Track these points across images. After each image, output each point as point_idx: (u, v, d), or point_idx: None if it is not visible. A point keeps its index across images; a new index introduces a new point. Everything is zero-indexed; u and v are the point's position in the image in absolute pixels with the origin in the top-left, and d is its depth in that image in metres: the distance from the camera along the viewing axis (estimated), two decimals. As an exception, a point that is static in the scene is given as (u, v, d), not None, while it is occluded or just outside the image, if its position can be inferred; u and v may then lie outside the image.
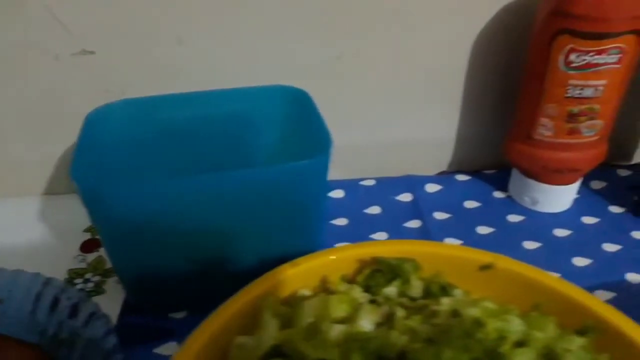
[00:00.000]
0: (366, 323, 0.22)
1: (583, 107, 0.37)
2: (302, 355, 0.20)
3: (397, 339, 0.20)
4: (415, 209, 0.43)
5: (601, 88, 0.36)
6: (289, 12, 0.40)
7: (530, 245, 0.39)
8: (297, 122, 0.35)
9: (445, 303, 0.22)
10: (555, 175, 0.41)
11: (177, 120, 0.36)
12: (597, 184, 0.45)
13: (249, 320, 0.23)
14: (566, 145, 0.39)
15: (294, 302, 0.24)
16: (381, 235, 0.41)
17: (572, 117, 0.38)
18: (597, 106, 0.37)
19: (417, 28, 0.41)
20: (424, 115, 0.45)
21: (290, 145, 0.35)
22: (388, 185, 0.46)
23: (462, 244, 0.39)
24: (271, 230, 0.31)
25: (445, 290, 0.24)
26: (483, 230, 0.41)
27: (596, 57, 0.35)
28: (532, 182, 0.42)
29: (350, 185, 0.45)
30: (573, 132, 0.39)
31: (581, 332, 0.23)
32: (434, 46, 0.42)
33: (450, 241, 0.40)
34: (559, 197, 0.42)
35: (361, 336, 0.20)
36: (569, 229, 0.41)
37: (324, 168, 0.30)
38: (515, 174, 0.43)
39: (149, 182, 0.29)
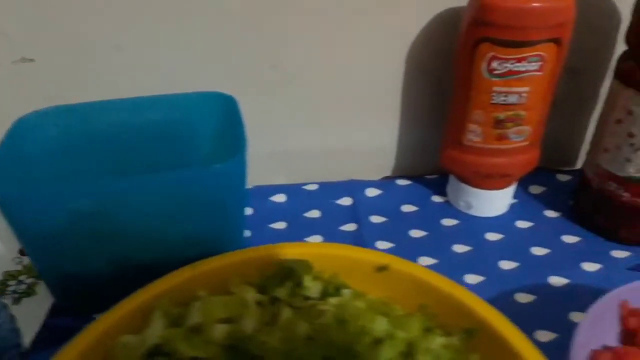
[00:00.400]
0: (249, 323, 0.23)
1: (509, 113, 0.38)
2: (179, 353, 0.21)
3: (270, 337, 0.21)
4: (353, 213, 0.44)
5: (525, 95, 0.37)
6: (227, 21, 0.40)
7: (460, 248, 0.40)
8: (226, 127, 0.36)
9: (330, 303, 0.23)
10: (486, 180, 0.42)
11: (109, 126, 0.37)
12: (536, 189, 0.46)
13: (141, 322, 0.24)
14: (495, 151, 0.40)
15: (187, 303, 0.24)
16: (316, 239, 0.41)
17: (498, 123, 0.39)
18: (522, 112, 0.38)
19: (351, 37, 0.42)
20: (364, 122, 0.46)
21: (220, 150, 0.36)
22: (330, 190, 0.46)
23: (392, 247, 0.40)
24: (190, 231, 0.31)
25: (339, 290, 0.25)
26: (416, 233, 0.42)
27: (517, 64, 0.36)
28: (466, 187, 0.43)
29: (293, 190, 0.46)
30: (501, 137, 0.39)
31: (466, 333, 0.24)
32: (368, 55, 0.42)
33: (381, 244, 0.40)
34: (492, 202, 0.43)
35: (238, 335, 0.21)
36: (501, 232, 0.42)
37: (239, 171, 0.31)
38: (452, 179, 0.44)
39: (62, 186, 0.30)
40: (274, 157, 0.47)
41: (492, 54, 0.36)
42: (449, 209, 0.44)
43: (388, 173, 0.50)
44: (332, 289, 0.26)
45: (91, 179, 0.28)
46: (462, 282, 0.37)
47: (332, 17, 0.41)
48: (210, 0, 0.39)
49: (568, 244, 0.40)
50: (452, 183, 0.44)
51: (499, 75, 0.37)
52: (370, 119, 0.46)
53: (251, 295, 0.25)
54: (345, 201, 0.45)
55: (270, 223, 0.43)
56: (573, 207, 0.43)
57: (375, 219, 0.43)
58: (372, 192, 0.46)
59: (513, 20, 0.35)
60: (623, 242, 0.40)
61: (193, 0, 0.39)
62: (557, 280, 0.37)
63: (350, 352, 0.20)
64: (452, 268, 0.38)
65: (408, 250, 0.40)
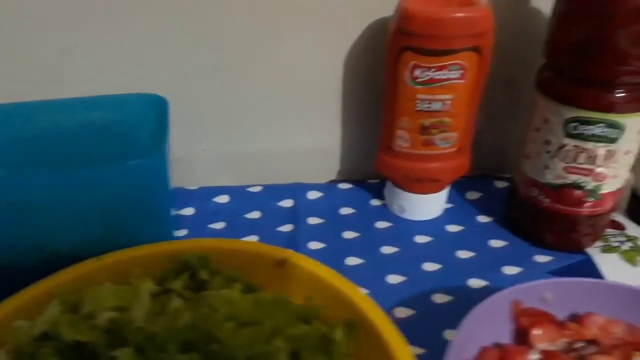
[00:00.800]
0: (138, 312, 0.24)
1: (433, 120, 0.40)
2: (63, 337, 0.22)
3: (151, 324, 0.22)
4: (292, 215, 0.45)
5: (448, 102, 0.39)
6: (172, 24, 0.42)
7: (387, 250, 0.41)
8: (157, 128, 0.37)
9: (214, 294, 0.24)
10: (417, 185, 0.43)
11: (50, 126, 0.39)
12: (472, 195, 0.47)
13: (41, 309, 0.25)
14: (423, 157, 0.41)
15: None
16: (251, 238, 0.43)
17: (424, 129, 0.40)
18: (447, 119, 0.39)
19: (292, 44, 0.43)
20: (308, 126, 0.48)
21: (150, 150, 0.38)
22: (273, 192, 0.48)
23: (323, 248, 0.41)
24: (112, 228, 0.33)
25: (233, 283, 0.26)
26: (349, 235, 0.43)
27: (438, 72, 0.37)
28: (399, 191, 0.44)
29: (237, 191, 0.48)
30: (428, 143, 0.41)
31: (348, 325, 0.25)
32: (309, 61, 0.44)
33: (313, 244, 0.42)
34: (424, 206, 0.44)
35: (119, 322, 0.22)
36: (430, 235, 0.43)
37: (156, 170, 0.32)
38: (388, 183, 0.45)
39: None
40: (220, 159, 0.48)
41: (414, 62, 0.37)
42: (385, 212, 0.46)
43: (334, 177, 0.51)
44: (226, 281, 0.27)
45: (10, 172, 0.30)
46: (383, 282, 0.38)
47: (274, 24, 0.42)
48: (155, 4, 0.41)
49: (494, 248, 0.41)
50: (388, 187, 0.45)
51: (421, 83, 0.38)
52: (314, 123, 0.48)
53: (146, 286, 0.26)
54: (287, 203, 0.47)
55: (210, 223, 0.44)
56: (505, 213, 0.44)
57: (313, 220, 0.45)
58: (313, 194, 0.48)
59: (432, 29, 0.36)
60: (548, 247, 0.41)
61: (138, 3, 0.41)
62: (476, 283, 0.38)
63: (211, 336, 0.21)
64: (377, 268, 0.39)
65: (338, 250, 0.41)
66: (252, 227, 0.44)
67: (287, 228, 0.44)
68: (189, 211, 0.45)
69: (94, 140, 0.38)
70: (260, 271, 0.28)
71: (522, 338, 0.30)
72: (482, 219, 0.45)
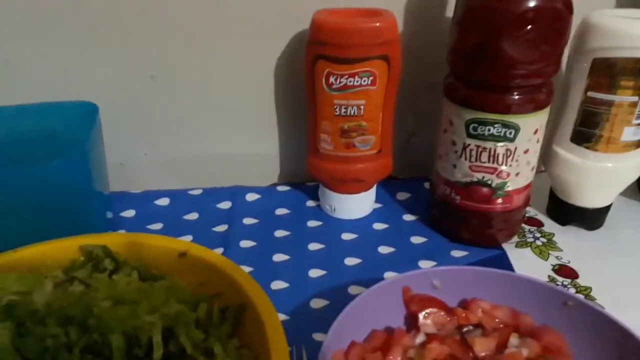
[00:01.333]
0: (38, 296, 0.26)
1: (352, 123, 0.42)
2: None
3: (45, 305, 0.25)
4: (229, 216, 0.47)
5: (363, 107, 0.41)
6: (106, 35, 0.45)
7: (314, 246, 0.43)
8: (87, 133, 0.40)
9: (113, 280, 0.27)
10: (343, 185, 0.45)
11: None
12: (402, 195, 0.50)
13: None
14: (346, 158, 0.44)
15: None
16: (187, 238, 0.45)
17: (344, 132, 0.42)
18: (364, 123, 0.42)
19: (224, 52, 0.46)
20: (245, 131, 0.50)
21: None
22: (213, 195, 0.50)
23: (253, 246, 0.44)
24: (41, 226, 0.35)
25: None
26: (280, 233, 0.45)
27: (351, 79, 0.40)
28: (329, 192, 0.46)
29: (178, 194, 0.50)
30: (349, 146, 0.43)
31: (239, 307, 0.27)
32: (240, 69, 0.47)
33: (244, 243, 0.44)
34: (352, 205, 0.46)
35: (16, 302, 0.25)
36: (356, 233, 0.45)
37: (76, 169, 0.34)
38: (320, 185, 0.48)
39: None
40: (162, 164, 0.51)
41: (328, 70, 0.40)
42: (318, 212, 0.48)
43: (275, 180, 0.53)
44: (130, 270, 0.29)
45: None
46: (305, 276, 0.40)
47: (207, 34, 0.45)
48: (93, 14, 0.43)
49: (414, 244, 0.44)
50: (321, 188, 0.48)
51: (337, 89, 0.41)
52: (251, 128, 0.50)
53: (51, 274, 0.28)
54: (225, 205, 0.49)
55: (149, 224, 0.46)
56: (428, 211, 0.47)
57: (248, 221, 0.47)
58: (252, 197, 0.50)
59: (340, 39, 0.39)
60: (465, 243, 0.43)
61: (78, 14, 0.43)
62: (390, 275, 0.40)
63: (89, 312, 0.23)
64: (301, 264, 0.41)
65: (267, 248, 0.43)
66: (188, 228, 0.46)
67: (222, 228, 0.46)
68: (129, 213, 0.48)
69: (26, 146, 0.40)
70: (166, 261, 0.31)
71: (413, 323, 0.32)
72: (408, 217, 0.47)
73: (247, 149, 0.51)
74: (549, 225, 0.46)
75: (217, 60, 0.46)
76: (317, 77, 0.41)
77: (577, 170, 0.42)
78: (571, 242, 0.44)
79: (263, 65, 0.47)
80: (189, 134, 0.50)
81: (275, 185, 0.52)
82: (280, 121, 0.50)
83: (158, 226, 0.46)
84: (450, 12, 0.45)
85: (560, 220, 0.45)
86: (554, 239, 0.44)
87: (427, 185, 0.51)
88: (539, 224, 0.46)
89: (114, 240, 0.31)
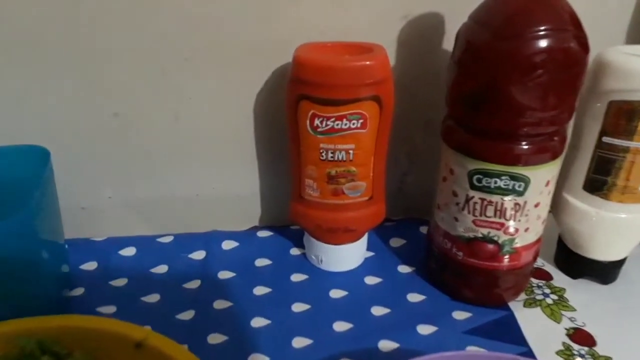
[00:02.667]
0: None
1: (340, 169, 0.37)
2: None
3: None
4: (202, 268, 0.42)
5: (352, 151, 0.36)
6: (65, 71, 0.40)
7: (299, 307, 0.38)
8: (38, 181, 0.34)
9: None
10: (331, 235, 0.40)
11: None
12: (396, 242, 0.45)
13: None
14: (334, 206, 0.39)
15: None
16: (153, 298, 0.39)
17: (331, 178, 0.38)
18: (353, 168, 0.37)
19: (197, 87, 0.41)
20: (221, 171, 0.45)
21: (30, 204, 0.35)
22: (185, 242, 0.45)
23: (229, 307, 0.38)
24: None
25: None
26: (260, 291, 0.40)
27: (338, 122, 0.35)
28: (315, 241, 0.41)
29: (146, 242, 0.45)
30: (337, 193, 0.38)
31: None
32: (216, 105, 0.42)
33: (219, 303, 0.38)
34: (341, 257, 0.41)
35: None
36: (346, 289, 0.40)
37: (18, 232, 0.29)
38: (306, 233, 0.43)
39: None
40: (128, 208, 0.46)
41: (312, 111, 0.35)
42: (303, 263, 0.43)
43: (255, 223, 0.48)
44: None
45: None
46: (288, 347, 0.35)
47: (178, 67, 0.40)
48: (46, 43, 0.38)
49: (411, 304, 0.39)
50: (306, 236, 0.43)
51: (323, 133, 0.36)
52: (228, 169, 0.45)
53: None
54: (198, 255, 0.44)
55: (112, 279, 0.41)
56: (424, 262, 0.42)
57: (224, 274, 0.42)
58: (229, 244, 0.45)
59: (326, 79, 0.34)
60: (467, 302, 0.38)
61: (36, 50, 0.39)
62: (386, 345, 0.35)
63: None
64: (284, 330, 0.36)
65: (245, 309, 0.38)
66: (155, 284, 0.41)
67: (194, 284, 0.41)
68: (90, 266, 0.42)
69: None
70: (120, 352, 0.26)
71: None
72: (403, 269, 0.42)
73: (223, 190, 0.46)
74: (559, 279, 0.41)
75: (188, 94, 0.41)
76: (300, 118, 0.36)
77: (589, 220, 0.38)
78: (584, 300, 0.39)
79: (240, 101, 0.42)
80: (159, 174, 0.45)
81: (255, 229, 0.47)
82: (260, 161, 0.45)
83: (122, 282, 0.41)
84: (447, 43, 0.41)
85: (570, 272, 0.41)
86: (565, 295, 0.40)
87: (423, 229, 0.46)
88: (547, 277, 0.41)
89: (56, 324, 0.26)
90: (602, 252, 0.39)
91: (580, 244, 0.40)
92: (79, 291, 0.40)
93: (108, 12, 0.38)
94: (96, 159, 0.43)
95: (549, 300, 0.39)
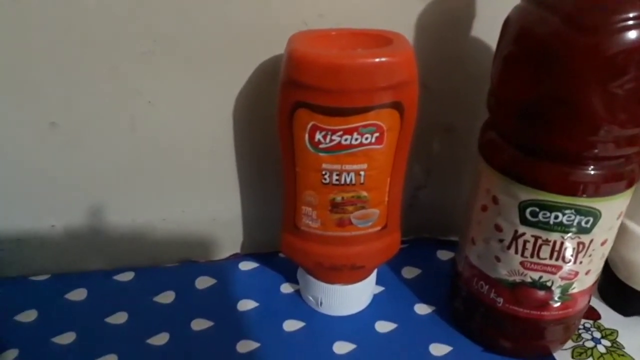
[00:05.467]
0: None
1: (347, 195, 0.29)
2: None
3: None
4: (171, 316, 0.33)
5: (363, 173, 0.28)
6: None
7: (295, 369, 0.31)
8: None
9: None
10: (334, 274, 0.32)
11: None
12: (409, 272, 0.37)
13: None
14: (339, 239, 0.31)
15: None
16: (108, 358, 0.31)
17: (336, 206, 0.29)
18: (364, 193, 0.29)
19: (157, 88, 0.32)
20: (193, 191, 0.36)
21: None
22: (150, 280, 0.36)
23: (206, 372, 0.31)
24: None
25: None
26: (245, 347, 0.31)
27: (346, 137, 0.27)
28: (313, 281, 0.33)
29: (100, 282, 0.35)
30: (343, 223, 0.30)
31: None
32: (177, 110, 0.33)
33: (193, 367, 0.31)
34: (345, 299, 0.33)
35: None
36: (353, 341, 0.32)
37: None
38: (302, 269, 0.35)
39: None
40: (79, 238, 0.37)
41: (312, 123, 0.27)
42: (298, 305, 0.34)
43: (237, 249, 0.40)
44: None
45: None
46: None
47: (133, 64, 0.31)
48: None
49: (436, 358, 0.32)
50: (302, 273, 0.35)
51: (326, 150, 0.27)
52: (202, 187, 0.36)
53: None
54: (166, 298, 0.35)
55: (56, 335, 0.32)
56: (451, 303, 0.35)
57: (198, 324, 0.33)
58: (204, 282, 0.36)
59: (332, 81, 0.25)
60: (504, 354, 0.31)
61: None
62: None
63: None
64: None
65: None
66: (112, 342, 0.32)
67: (161, 340, 0.32)
68: (29, 316, 0.33)
69: None
70: None
71: None
72: (421, 309, 0.35)
73: (196, 214, 0.37)
74: (608, 317, 0.34)
75: (147, 97, 0.32)
76: (296, 131, 0.27)
77: (651, 250, 0.31)
78: (642, 345, 0.33)
79: (214, 105, 0.33)
80: (114, 196, 0.35)
81: (236, 258, 0.39)
82: (241, 178, 0.36)
83: (69, 339, 0.32)
84: (479, 29, 0.33)
85: (622, 309, 0.34)
86: (618, 339, 0.33)
87: (440, 254, 0.39)
88: (595, 316, 0.34)
89: None
90: (663, 287, 0.33)
91: (637, 276, 0.33)
92: (11, 354, 0.31)
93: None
94: (32, 180, 0.34)
95: (601, 348, 0.32)
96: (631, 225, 0.31)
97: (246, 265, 0.38)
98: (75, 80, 0.31)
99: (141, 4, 0.29)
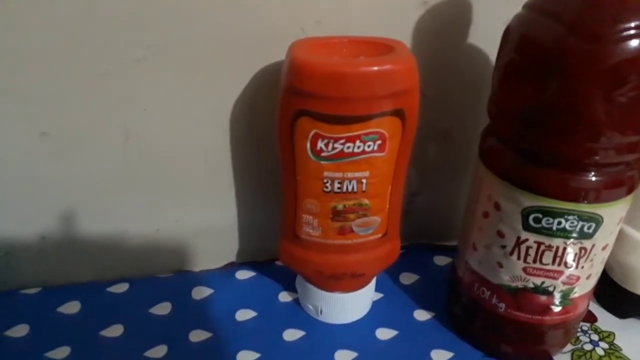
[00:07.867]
0: None
1: (349, 202, 0.29)
2: None
3: None
4: (168, 329, 0.33)
5: (365, 181, 0.28)
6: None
7: (297, 380, 0.31)
8: None
9: None
10: (334, 282, 0.32)
11: None
12: (407, 278, 0.37)
13: None
14: (340, 247, 0.30)
15: None
16: (104, 374, 0.31)
17: (338, 214, 0.29)
18: (366, 201, 0.29)
19: (152, 94, 0.31)
20: (190, 201, 0.35)
21: None
22: (144, 292, 0.35)
23: (207, 385, 0.30)
24: None
25: None
26: (244, 357, 0.31)
27: (349, 145, 0.27)
28: (313, 289, 0.33)
29: (92, 294, 0.35)
30: (344, 231, 0.30)
31: None
32: (172, 116, 0.32)
33: (193, 380, 0.30)
34: (345, 307, 0.33)
35: None
36: (355, 349, 0.32)
37: None
38: (301, 277, 0.35)
39: None
40: (72, 249, 0.35)
41: (315, 131, 0.26)
42: (297, 314, 0.34)
43: (232, 258, 0.39)
44: None
45: None
46: None
47: (127, 71, 0.30)
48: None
49: (437, 365, 0.32)
50: (301, 281, 0.34)
51: (328, 158, 0.27)
52: (197, 196, 0.35)
53: None
54: (162, 309, 0.34)
55: (49, 350, 0.31)
56: (451, 308, 0.35)
57: (196, 336, 0.32)
58: (200, 292, 0.36)
59: (336, 89, 0.25)
60: (504, 358, 0.32)
61: None
62: None
63: None
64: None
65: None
66: (107, 355, 0.31)
67: (158, 353, 0.31)
68: (19, 331, 0.32)
69: None
70: None
71: None
72: (421, 315, 0.34)
73: (191, 224, 0.36)
74: (605, 319, 0.34)
75: (142, 104, 0.31)
76: (298, 139, 0.27)
77: (647, 253, 0.32)
78: (638, 346, 0.33)
79: (211, 113, 0.32)
80: (107, 207, 0.34)
81: (233, 267, 0.38)
82: (238, 187, 0.36)
83: (64, 352, 0.31)
84: (475, 35, 0.33)
85: (617, 311, 0.35)
86: (615, 341, 0.33)
87: (437, 260, 0.39)
88: (591, 318, 0.35)
89: None
90: (658, 289, 0.33)
91: (632, 278, 0.33)
92: (0, 372, 0.30)
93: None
94: (23, 191, 0.33)
95: (599, 351, 0.32)
96: (626, 228, 0.32)
97: (243, 274, 0.37)
98: (67, 88, 0.30)
99: (134, 10, 0.29)
